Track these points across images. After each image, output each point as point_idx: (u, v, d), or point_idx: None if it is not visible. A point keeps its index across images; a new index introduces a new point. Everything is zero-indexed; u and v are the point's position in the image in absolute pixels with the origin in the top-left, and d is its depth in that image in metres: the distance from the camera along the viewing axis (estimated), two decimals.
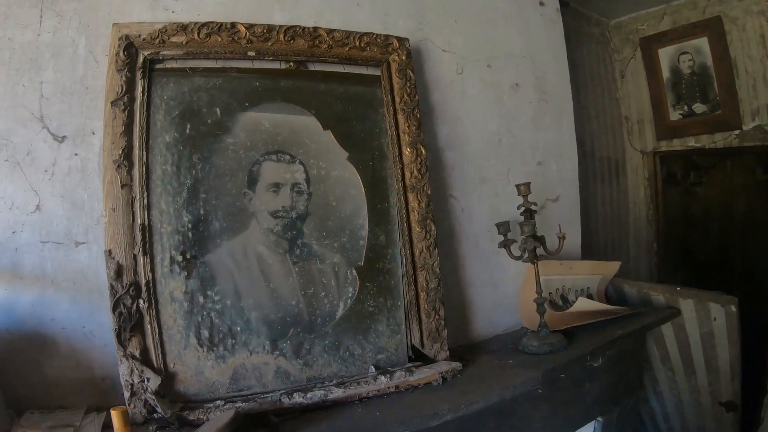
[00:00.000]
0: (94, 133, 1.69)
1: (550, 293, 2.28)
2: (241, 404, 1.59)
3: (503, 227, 2.05)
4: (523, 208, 2.05)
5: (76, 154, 1.68)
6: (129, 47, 1.65)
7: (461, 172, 2.10)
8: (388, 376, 1.75)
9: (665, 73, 3.17)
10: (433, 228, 1.88)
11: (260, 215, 1.74)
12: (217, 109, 1.72)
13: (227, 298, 1.68)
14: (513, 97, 2.25)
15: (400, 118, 1.89)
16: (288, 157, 1.78)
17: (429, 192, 1.90)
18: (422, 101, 2.01)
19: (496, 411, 1.79)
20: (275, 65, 1.82)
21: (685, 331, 2.31)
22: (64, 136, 1.68)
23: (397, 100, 1.90)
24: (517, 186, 2.02)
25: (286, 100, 1.79)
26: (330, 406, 1.65)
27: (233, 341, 1.67)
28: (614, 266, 2.43)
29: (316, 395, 1.65)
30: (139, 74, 1.66)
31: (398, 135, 1.89)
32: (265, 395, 1.65)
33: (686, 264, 3.22)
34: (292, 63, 1.82)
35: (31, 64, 1.67)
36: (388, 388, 1.73)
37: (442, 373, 1.80)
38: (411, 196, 1.88)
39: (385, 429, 1.56)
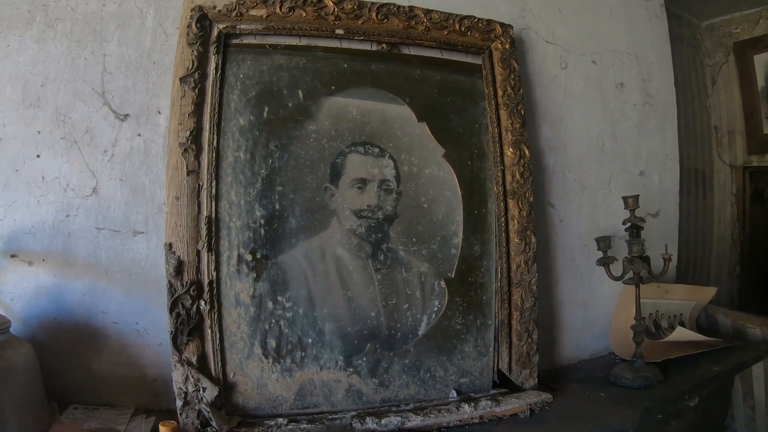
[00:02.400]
0: (159, 113, 1.29)
1: (643, 318, 1.83)
2: (306, 425, 1.21)
3: (604, 243, 1.59)
4: (629, 224, 1.60)
5: (139, 135, 1.29)
6: (202, 19, 1.24)
7: (561, 178, 1.63)
8: (473, 404, 1.32)
9: (760, 82, 2.57)
10: (533, 240, 1.44)
11: (342, 214, 1.33)
12: (300, 92, 1.31)
13: (299, 306, 1.28)
14: (617, 98, 1.76)
15: (503, 113, 1.45)
16: (377, 149, 1.37)
17: (531, 199, 1.44)
18: (524, 97, 1.59)
19: None
20: (365, 46, 1.37)
21: None
22: (127, 114, 1.29)
23: (500, 93, 1.45)
24: (625, 198, 1.56)
25: (377, 86, 1.36)
26: None
27: (303, 354, 1.27)
28: (710, 292, 1.93)
29: (392, 422, 1.22)
30: (212, 49, 1.25)
31: (500, 133, 1.44)
32: (334, 416, 1.23)
33: (763, 289, 2.68)
34: (384, 45, 1.38)
35: (95, 35, 1.27)
36: (472, 418, 1.29)
37: (530, 405, 1.36)
38: (511, 203, 1.43)
39: None
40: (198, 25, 1.24)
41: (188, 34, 1.24)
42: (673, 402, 1.46)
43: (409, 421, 1.21)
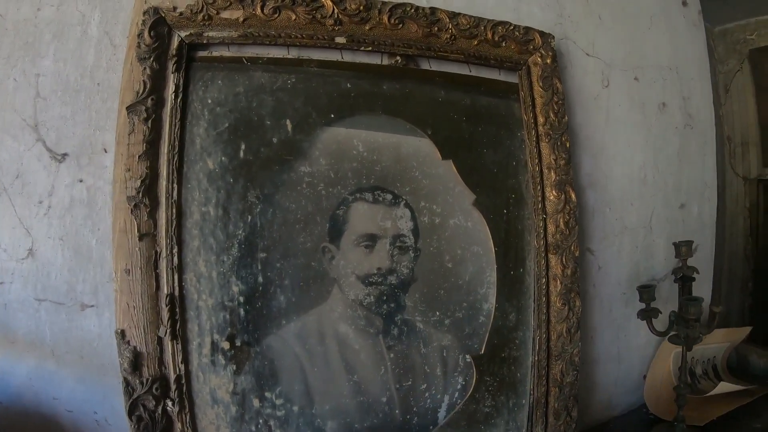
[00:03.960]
0: (106, 151, 0.81)
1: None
2: None
3: (648, 294, 1.11)
4: (680, 274, 1.10)
5: (80, 181, 0.81)
6: (158, 25, 0.74)
7: (601, 218, 1.13)
8: None
9: None
10: (578, 304, 0.96)
11: (345, 281, 0.84)
12: (288, 122, 0.81)
13: (294, 402, 0.81)
14: (660, 120, 1.25)
15: (544, 146, 0.94)
16: (390, 196, 0.87)
17: (577, 254, 0.96)
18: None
19: None
20: (375, 60, 0.87)
21: None
22: (65, 154, 0.81)
23: (541, 120, 0.94)
24: (677, 246, 1.07)
25: (390, 113, 0.85)
26: None
27: None
28: (744, 332, 1.46)
29: None
30: (171, 65, 0.75)
31: (541, 171, 0.94)
32: None
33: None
34: (399, 58, 0.87)
35: (27, 49, 0.81)
36: None
37: None
38: (553, 259, 0.94)
39: None
40: (152, 33, 0.78)
41: (139, 46, 0.78)
42: None
43: None
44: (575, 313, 0.92)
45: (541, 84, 0.91)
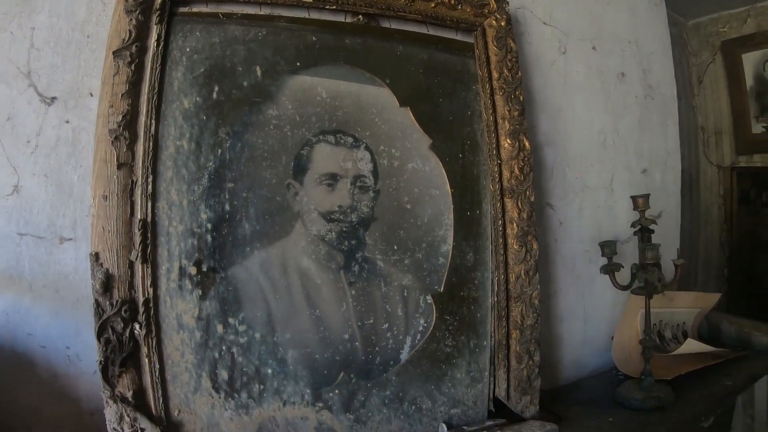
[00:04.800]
0: (91, 95, 0.92)
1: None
2: None
3: (609, 248, 1.20)
4: (638, 226, 1.19)
5: (66, 122, 0.92)
6: None
7: (561, 175, 1.24)
8: None
9: (749, 81, 2.16)
10: (534, 247, 1.04)
11: (308, 217, 0.94)
12: (258, 69, 0.92)
13: (256, 330, 0.89)
14: (619, 89, 1.38)
15: (498, 99, 1.06)
16: (351, 139, 0.98)
17: (532, 199, 1.05)
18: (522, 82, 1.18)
19: None
20: (339, 18, 1.00)
21: None
22: (54, 97, 0.92)
23: (495, 75, 1.06)
24: (634, 198, 1.16)
25: (351, 63, 0.98)
26: None
27: (261, 387, 0.88)
28: (714, 299, 1.53)
29: None
30: (155, 18, 0.88)
31: (495, 121, 1.06)
32: None
33: (750, 293, 2.24)
34: (361, 16, 1.00)
35: (24, 5, 0.93)
36: None
37: None
38: (509, 203, 1.04)
39: None
40: None
41: (126, 1, 0.89)
42: (689, 424, 1.04)
43: None
44: (533, 256, 1.01)
45: (495, 43, 1.04)
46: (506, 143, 1.00)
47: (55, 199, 0.90)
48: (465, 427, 0.99)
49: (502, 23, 1.06)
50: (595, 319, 1.28)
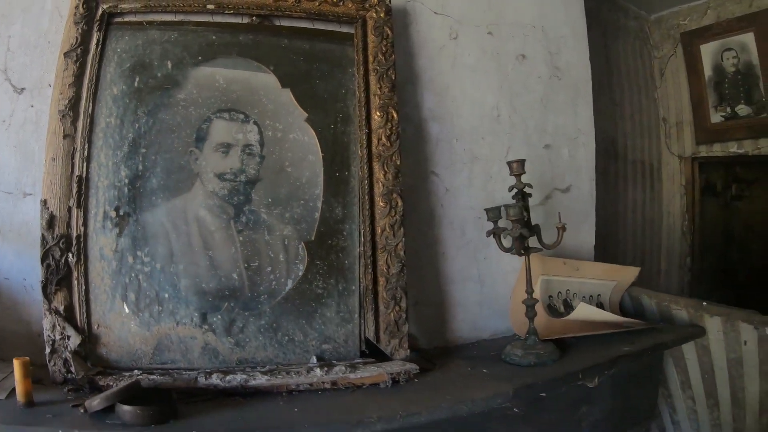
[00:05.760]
0: (50, 86, 1.38)
1: (550, 296, 1.56)
2: (155, 377, 1.10)
3: (493, 213, 1.41)
4: (515, 190, 1.36)
5: (32, 106, 1.37)
6: (89, 0, 1.26)
7: (448, 147, 1.49)
8: (325, 369, 1.17)
9: (707, 72, 2.35)
10: (399, 203, 1.29)
11: (205, 176, 1.27)
12: (168, 63, 1.30)
13: (158, 261, 1.24)
14: (518, 70, 1.61)
15: (372, 78, 1.35)
16: (241, 116, 1.30)
17: (398, 162, 1.32)
18: (405, 66, 1.45)
19: (452, 428, 1.13)
20: (237, 19, 1.34)
21: (710, 354, 1.55)
22: (23, 88, 1.38)
23: (370, 59, 1.37)
24: (509, 163, 1.37)
25: (243, 55, 1.34)
26: (252, 394, 1.16)
27: (160, 308, 1.22)
28: (632, 272, 1.64)
29: (236, 379, 1.13)
30: (96, 27, 1.32)
31: (368, 97, 1.35)
32: (187, 372, 1.14)
33: (723, 284, 2.27)
34: (254, 17, 1.32)
35: (2, 19, 1.39)
36: (323, 383, 1.16)
37: (392, 375, 1.20)
38: (376, 166, 1.31)
39: (294, 430, 0.97)
40: (84, 6, 1.33)
41: (75, 14, 1.33)
42: (562, 381, 1.20)
43: (254, 379, 1.10)
44: (397, 212, 1.26)
45: (373, 32, 1.34)
46: (376, 115, 1.27)
47: (21, 164, 1.36)
48: (334, 362, 1.22)
49: (381, 14, 1.35)
50: (491, 283, 1.47)
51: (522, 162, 1.41)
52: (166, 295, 1.26)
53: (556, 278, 1.58)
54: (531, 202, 1.59)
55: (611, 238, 2.19)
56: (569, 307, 1.63)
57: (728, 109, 2.32)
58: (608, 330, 1.51)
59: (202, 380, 1.18)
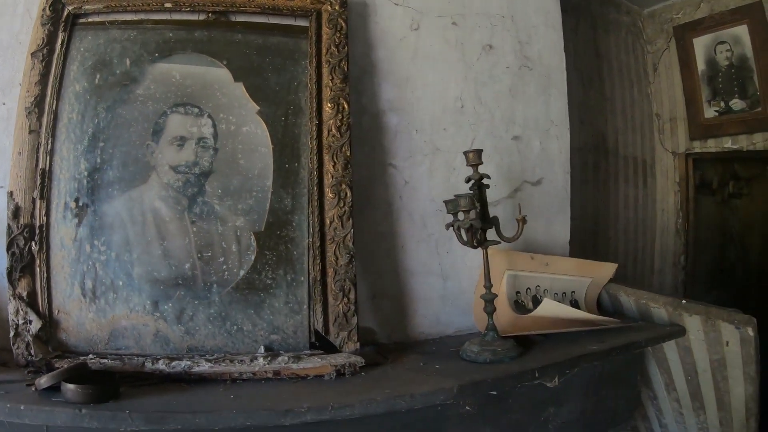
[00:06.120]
0: (20, 85, 1.43)
1: (517, 292, 1.52)
2: (106, 360, 1.18)
3: (452, 205, 1.43)
4: (472, 181, 1.34)
5: (3, 104, 1.49)
6: (56, 2, 1.44)
7: (407, 138, 1.50)
8: (269, 359, 1.18)
9: (700, 66, 2.32)
10: (348, 195, 1.31)
11: (161, 169, 1.33)
12: (127, 60, 1.38)
13: (113, 250, 1.34)
14: (484, 60, 1.61)
15: (324, 70, 1.39)
16: (196, 110, 1.37)
17: (348, 154, 1.35)
18: (362, 57, 1.48)
19: (399, 425, 1.12)
20: (194, 16, 1.39)
21: (692, 355, 1.49)
22: None
23: (324, 51, 1.42)
24: (466, 153, 1.36)
25: (198, 51, 1.42)
26: (197, 381, 1.23)
27: (114, 296, 1.29)
28: (608, 269, 1.59)
29: (180, 365, 1.17)
30: (61, 27, 1.45)
31: (319, 89, 1.39)
32: (138, 357, 1.19)
33: (720, 283, 2.16)
34: (210, 14, 1.37)
35: None
36: (266, 372, 1.19)
37: (336, 366, 1.20)
38: (326, 157, 1.33)
39: (221, 416, 1.00)
40: (51, 8, 1.44)
41: (42, 16, 1.46)
42: (515, 379, 1.16)
43: (197, 366, 1.13)
44: (346, 203, 1.27)
45: (327, 25, 1.37)
46: (327, 107, 1.29)
47: None
48: (282, 352, 1.22)
49: (336, 7, 1.37)
50: (456, 278, 1.46)
51: (478, 152, 1.39)
52: (121, 283, 1.32)
53: (523, 273, 1.54)
54: (498, 194, 1.57)
55: (602, 235, 2.11)
56: (539, 304, 1.57)
57: (722, 104, 2.29)
58: (580, 328, 1.45)
59: (149, 365, 1.23)
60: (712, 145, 2.31)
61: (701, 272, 2.37)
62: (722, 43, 2.25)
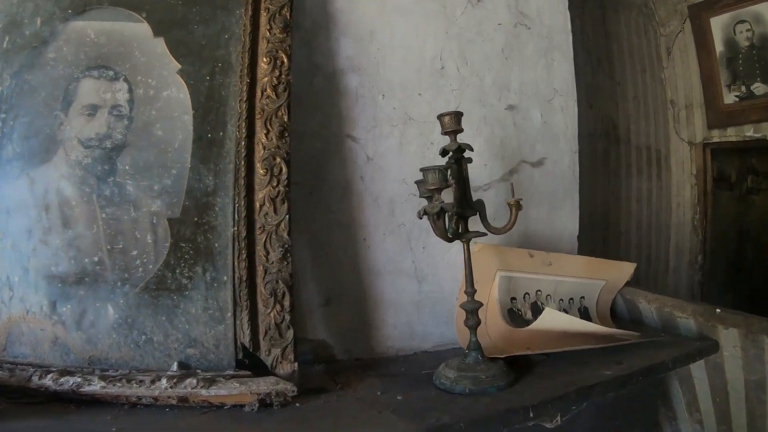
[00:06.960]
0: None
1: (513, 298, 1.02)
2: None
3: (422, 185, 0.89)
4: (450, 153, 0.86)
5: None
6: None
7: (371, 104, 1.06)
8: (173, 380, 0.74)
9: (718, 47, 1.82)
10: (284, 171, 0.88)
11: (69, 144, 0.95)
12: (38, 19, 0.97)
13: (10, 238, 0.87)
14: (471, 14, 1.11)
15: (262, 19, 0.97)
16: (111, 73, 0.97)
17: (286, 119, 0.91)
18: (316, 8, 1.01)
19: None
20: None
21: (724, 374, 1.01)
22: None
23: None
24: (440, 117, 0.87)
25: (115, 4, 1.01)
26: (90, 403, 0.82)
27: (11, 294, 0.86)
28: (625, 269, 1.08)
29: (69, 382, 0.75)
30: None
31: (255, 41, 0.93)
32: (28, 368, 0.79)
33: (736, 284, 1.54)
34: None
35: None
36: (168, 397, 0.74)
37: (259, 395, 0.74)
38: (258, 124, 0.91)
39: None
40: None
41: None
42: (501, 421, 0.66)
43: (89, 385, 0.72)
44: (281, 182, 0.86)
45: None
46: (262, 62, 0.88)
47: None
48: (199, 371, 0.78)
49: None
50: (435, 278, 1.01)
51: (457, 115, 0.92)
52: (17, 279, 0.94)
53: (519, 275, 1.04)
54: (488, 176, 1.09)
55: (612, 230, 1.56)
56: (539, 313, 1.06)
57: (743, 88, 1.76)
58: (593, 345, 0.93)
59: (35, 379, 0.86)
60: (732, 134, 1.72)
61: (718, 272, 1.81)
62: (742, 22, 1.71)
